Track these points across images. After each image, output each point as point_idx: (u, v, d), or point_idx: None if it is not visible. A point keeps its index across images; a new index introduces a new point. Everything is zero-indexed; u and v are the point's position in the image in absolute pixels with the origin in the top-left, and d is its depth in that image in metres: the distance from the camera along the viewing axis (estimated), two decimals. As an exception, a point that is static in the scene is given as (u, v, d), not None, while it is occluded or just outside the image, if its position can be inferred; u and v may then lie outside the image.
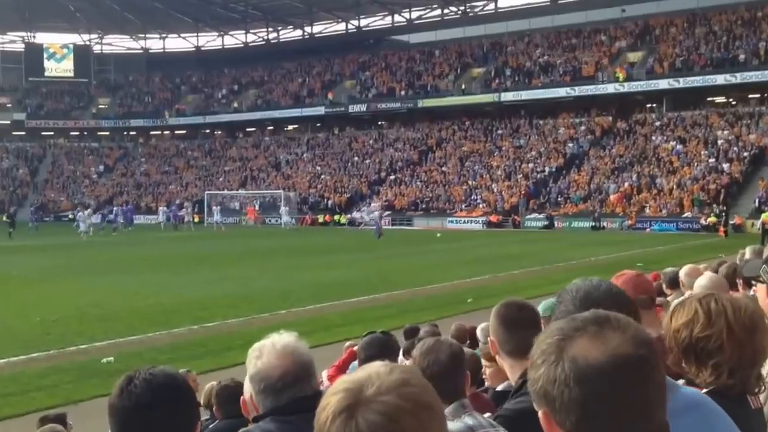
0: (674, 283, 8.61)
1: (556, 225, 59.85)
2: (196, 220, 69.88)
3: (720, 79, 64.76)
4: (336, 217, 70.09)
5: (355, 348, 7.01)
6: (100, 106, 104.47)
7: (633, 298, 4.28)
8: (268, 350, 3.08)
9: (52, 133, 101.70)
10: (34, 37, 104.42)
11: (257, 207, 75.05)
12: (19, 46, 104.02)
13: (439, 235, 20.35)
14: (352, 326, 18.58)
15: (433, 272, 29.79)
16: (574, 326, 1.87)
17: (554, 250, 39.96)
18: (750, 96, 68.04)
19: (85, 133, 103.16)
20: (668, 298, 8.41)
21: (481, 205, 65.43)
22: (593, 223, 58.01)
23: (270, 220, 72.97)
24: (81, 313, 20.81)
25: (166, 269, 32.13)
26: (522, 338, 3.83)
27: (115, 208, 69.75)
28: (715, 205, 54.65)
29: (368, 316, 20.12)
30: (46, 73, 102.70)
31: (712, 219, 53.22)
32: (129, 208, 70.28)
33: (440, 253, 38.88)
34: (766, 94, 66.70)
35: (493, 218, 62.40)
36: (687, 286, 7.14)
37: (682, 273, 8.03)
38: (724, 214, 51.58)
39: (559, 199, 63.10)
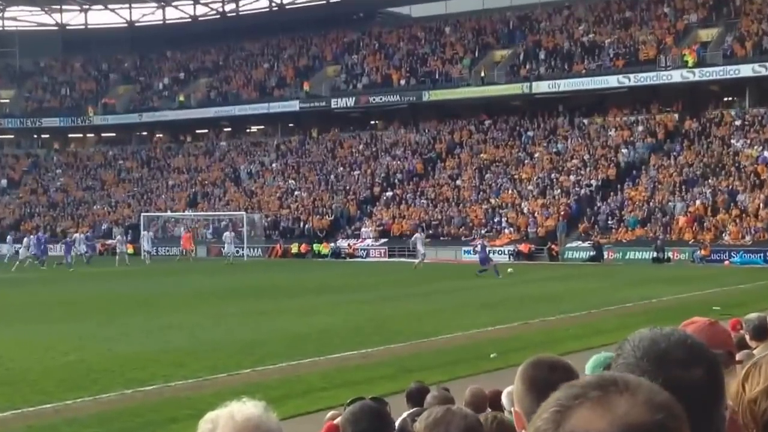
0: (761, 332, 8.66)
1: (605, 256, 59.87)
2: (130, 250, 69.83)
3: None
4: (315, 247, 70.16)
5: (338, 421, 7.05)
6: (2, 101, 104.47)
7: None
8: (224, 423, 3.05)
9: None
10: None
11: (209, 235, 74.98)
12: None
13: (493, 355, 20.20)
14: (336, 390, 18.54)
15: (443, 319, 29.76)
16: (573, 393, 1.92)
17: (603, 289, 39.93)
18: None
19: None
20: (754, 351, 8.44)
21: (507, 231, 65.48)
22: (655, 254, 58.06)
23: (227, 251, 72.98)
24: (-22, 374, 20.76)
25: (91, 316, 32.03)
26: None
27: (27, 237, 69.67)
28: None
29: (358, 377, 20.10)
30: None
31: None
32: (40, 236, 70.14)
33: (453, 295, 38.81)
34: None
35: (524, 247, 62.43)
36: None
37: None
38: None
39: (609, 222, 63.20)
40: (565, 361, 4.30)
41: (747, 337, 9.46)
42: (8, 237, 74.82)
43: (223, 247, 68.39)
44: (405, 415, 9.48)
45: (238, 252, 67.73)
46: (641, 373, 2.35)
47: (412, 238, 59.77)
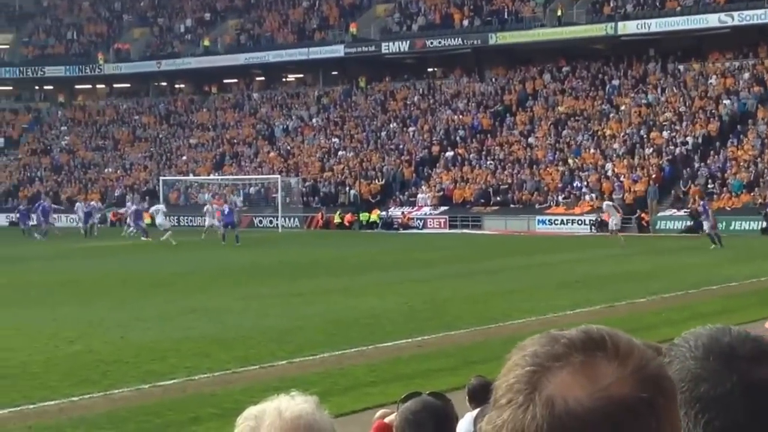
0: None
1: (705, 226, 59.52)
2: (147, 220, 70.14)
3: None
4: (362, 216, 70.23)
5: (390, 420, 6.92)
6: (0, 46, 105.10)
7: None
8: (270, 421, 2.94)
9: None
10: None
11: (239, 203, 75.04)
12: None
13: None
14: (386, 385, 18.51)
15: (512, 301, 29.67)
16: (554, 353, 1.82)
17: (702, 266, 39.69)
18: None
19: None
20: None
21: (588, 197, 65.23)
22: (764, 224, 57.67)
23: (260, 221, 73.24)
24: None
25: (101, 298, 32.17)
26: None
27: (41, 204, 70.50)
28: None
29: (412, 369, 20.02)
30: None
31: None
32: (42, 204, 70.73)
33: (524, 272, 38.75)
34: None
35: (607, 216, 62.16)
36: None
37: None
38: None
39: (709, 186, 62.77)
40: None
41: None
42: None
43: (273, 218, 67.29)
44: (468, 415, 9.34)
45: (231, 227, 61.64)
46: (708, 375, 2.28)
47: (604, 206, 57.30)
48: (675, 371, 2.56)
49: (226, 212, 61.29)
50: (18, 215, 67.89)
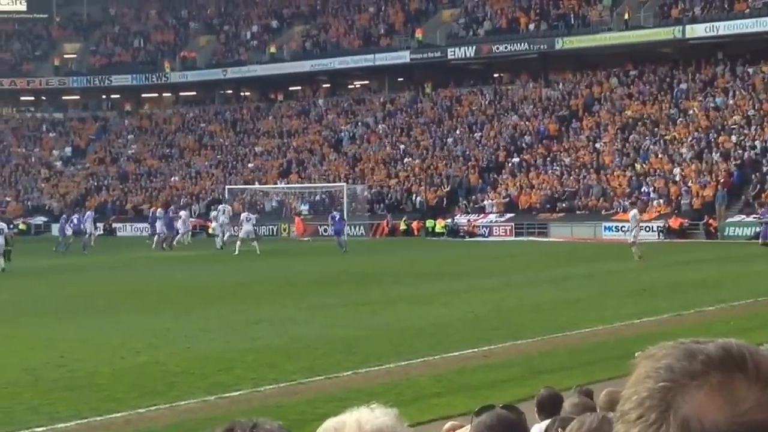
0: None
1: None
2: (211, 229, 70.84)
3: None
4: (428, 224, 70.21)
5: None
6: (67, 56, 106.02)
7: None
8: None
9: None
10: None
11: (305, 212, 75.31)
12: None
13: (638, 354, 20.17)
14: (453, 396, 18.50)
15: (579, 310, 29.56)
16: (690, 370, 1.80)
17: (773, 273, 39.38)
18: None
19: (44, 97, 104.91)
20: None
21: (655, 203, 64.91)
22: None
23: (325, 230, 73.39)
24: (36, 377, 20.88)
25: (166, 308, 32.35)
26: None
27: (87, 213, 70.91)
28: None
29: (479, 380, 19.98)
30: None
31: None
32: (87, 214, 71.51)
33: (590, 280, 38.68)
34: None
35: (675, 222, 61.87)
36: None
37: None
38: None
39: (780, 191, 62.36)
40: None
41: None
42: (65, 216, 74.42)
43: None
44: (536, 427, 9.32)
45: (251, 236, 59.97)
46: None
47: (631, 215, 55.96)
48: None
49: (336, 218, 61.65)
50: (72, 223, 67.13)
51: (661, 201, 64.82)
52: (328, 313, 30.34)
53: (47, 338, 26.28)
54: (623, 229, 61.66)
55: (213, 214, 67.51)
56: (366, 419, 2.84)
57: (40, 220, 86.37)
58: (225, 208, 66.14)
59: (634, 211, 50.86)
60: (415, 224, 70.42)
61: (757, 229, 59.30)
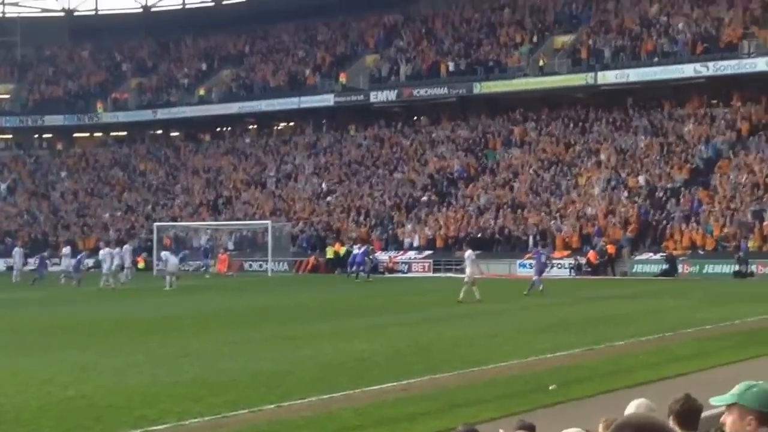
0: None
1: (680, 269, 59.59)
2: (140, 265, 70.27)
3: None
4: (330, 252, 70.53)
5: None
6: (1, 96, 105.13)
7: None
8: None
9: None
10: None
11: (229, 247, 74.87)
12: None
13: (552, 387, 19.97)
14: (373, 428, 18.41)
15: (495, 345, 29.56)
16: None
17: (678, 308, 39.75)
18: None
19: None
20: None
21: (567, 240, 65.28)
22: (737, 267, 57.68)
23: (249, 265, 73.19)
24: (-34, 411, 20.63)
25: (95, 343, 31.94)
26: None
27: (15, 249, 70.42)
28: None
29: (398, 413, 19.85)
30: None
31: None
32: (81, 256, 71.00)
33: (506, 316, 38.73)
34: None
35: (591, 255, 62.26)
36: None
37: None
38: None
39: (684, 228, 62.80)
40: (657, 423, 4.05)
41: None
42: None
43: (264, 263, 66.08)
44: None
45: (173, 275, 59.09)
46: None
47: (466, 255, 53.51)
48: None
49: (361, 251, 63.49)
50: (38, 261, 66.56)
51: (574, 238, 65.21)
52: (252, 347, 30.13)
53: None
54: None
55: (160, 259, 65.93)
56: None
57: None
58: (127, 249, 64.90)
59: (468, 252, 50.52)
60: (337, 245, 70.39)
61: (664, 266, 59.86)
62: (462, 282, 47.24)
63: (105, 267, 60.14)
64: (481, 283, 46.44)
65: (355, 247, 67.86)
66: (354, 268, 64.19)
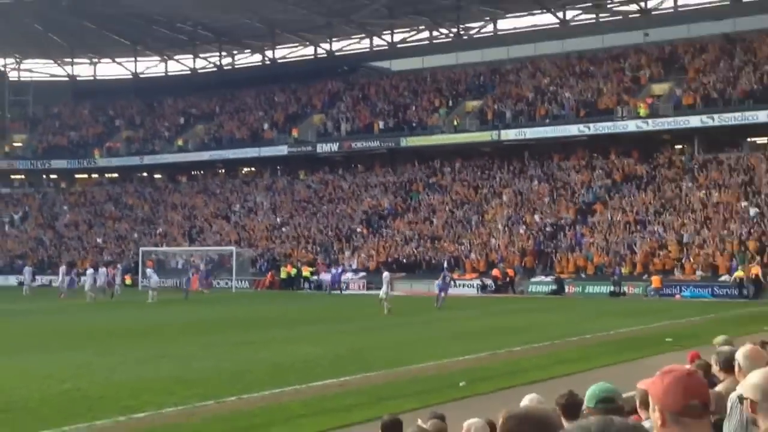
0: (729, 365, 8.24)
1: (566, 290, 59.73)
2: (128, 282, 69.60)
3: (762, 115, 65.17)
4: (305, 275, 70.04)
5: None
6: (15, 144, 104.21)
7: (684, 404, 3.94)
8: None
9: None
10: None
11: (201, 267, 74.04)
12: None
13: (462, 383, 19.92)
14: (316, 417, 18.21)
15: (416, 349, 29.38)
16: None
17: (564, 321, 39.74)
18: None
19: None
20: (719, 387, 8.07)
21: (475, 264, 65.29)
22: (612, 288, 57.97)
23: (218, 283, 72.62)
24: (-23, 403, 20.19)
25: (90, 346, 31.49)
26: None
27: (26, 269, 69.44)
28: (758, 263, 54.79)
29: (337, 404, 19.68)
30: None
31: (739, 273, 54.54)
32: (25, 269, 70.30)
33: (426, 326, 38.54)
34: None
35: (496, 273, 62.37)
36: (745, 372, 6.80)
37: (740, 355, 7.66)
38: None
39: (570, 256, 63.04)
40: (537, 411, 3.92)
41: (715, 368, 9.05)
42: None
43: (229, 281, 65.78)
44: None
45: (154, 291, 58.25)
46: None
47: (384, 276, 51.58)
48: None
49: (338, 272, 67.19)
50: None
51: (481, 263, 65.24)
52: (219, 350, 29.82)
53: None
54: (451, 285, 61.74)
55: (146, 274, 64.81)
56: None
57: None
58: (150, 272, 62.84)
59: (386, 273, 50.48)
60: (288, 267, 69.95)
61: (554, 287, 60.02)
62: (378, 298, 46.85)
63: (88, 284, 59.56)
64: (404, 299, 46.34)
65: (332, 268, 68.52)
66: (334, 285, 65.82)
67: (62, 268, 66.13)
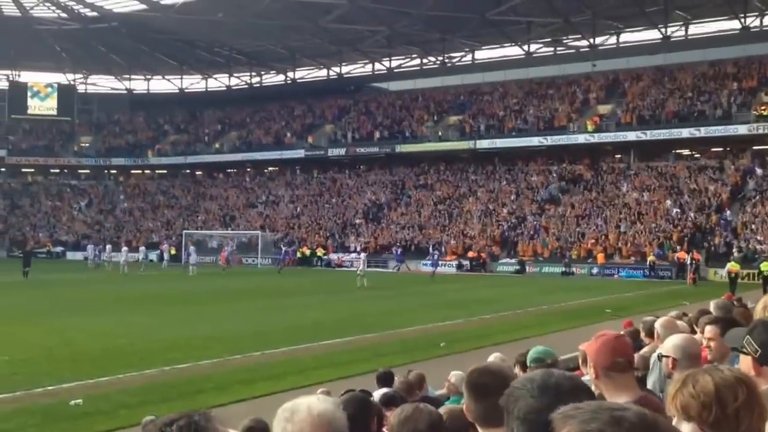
0: (652, 333, 8.36)
1: (527, 270, 59.78)
2: (173, 252, 69.93)
3: (685, 132, 65.42)
4: (318, 252, 69.93)
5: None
6: (82, 144, 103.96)
7: (611, 361, 4.03)
8: (302, 416, 2.63)
9: (32, 170, 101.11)
10: (18, 75, 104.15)
11: (232, 248, 73.75)
12: (3, 84, 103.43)
13: (442, 344, 20.02)
14: (325, 369, 18.21)
15: (406, 316, 29.48)
16: None
17: (526, 295, 39.80)
18: (713, 149, 68.80)
19: (66, 170, 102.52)
20: (644, 349, 8.18)
21: (454, 249, 65.29)
22: (563, 269, 58.01)
23: (246, 260, 72.55)
24: (51, 353, 20.20)
25: (140, 309, 31.56)
26: (489, 407, 3.52)
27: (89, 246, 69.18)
28: (681, 251, 54.84)
29: (341, 359, 19.75)
30: (29, 111, 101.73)
31: (651, 258, 55.02)
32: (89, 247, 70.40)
33: (413, 297, 38.60)
34: (728, 148, 67.40)
35: (472, 255, 62.43)
36: (662, 338, 6.90)
37: (659, 324, 7.75)
38: (694, 262, 51.47)
39: (530, 243, 63.08)
40: (498, 368, 3.96)
41: (642, 335, 9.16)
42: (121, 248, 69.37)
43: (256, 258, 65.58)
44: (376, 394, 9.10)
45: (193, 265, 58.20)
46: (544, 408, 2.10)
47: (362, 256, 51.93)
48: (521, 407, 2.34)
49: (398, 252, 64.98)
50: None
51: (459, 248, 65.24)
52: (245, 314, 29.90)
53: (58, 328, 25.43)
54: (440, 264, 61.43)
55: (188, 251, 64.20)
56: (314, 405, 2.56)
57: (59, 249, 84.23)
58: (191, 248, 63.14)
59: (363, 254, 50.61)
60: (304, 249, 69.75)
61: (517, 267, 60.05)
62: (356, 275, 46.78)
63: (122, 259, 58.92)
64: (389, 275, 46.29)
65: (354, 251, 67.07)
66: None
67: (124, 248, 64.40)
